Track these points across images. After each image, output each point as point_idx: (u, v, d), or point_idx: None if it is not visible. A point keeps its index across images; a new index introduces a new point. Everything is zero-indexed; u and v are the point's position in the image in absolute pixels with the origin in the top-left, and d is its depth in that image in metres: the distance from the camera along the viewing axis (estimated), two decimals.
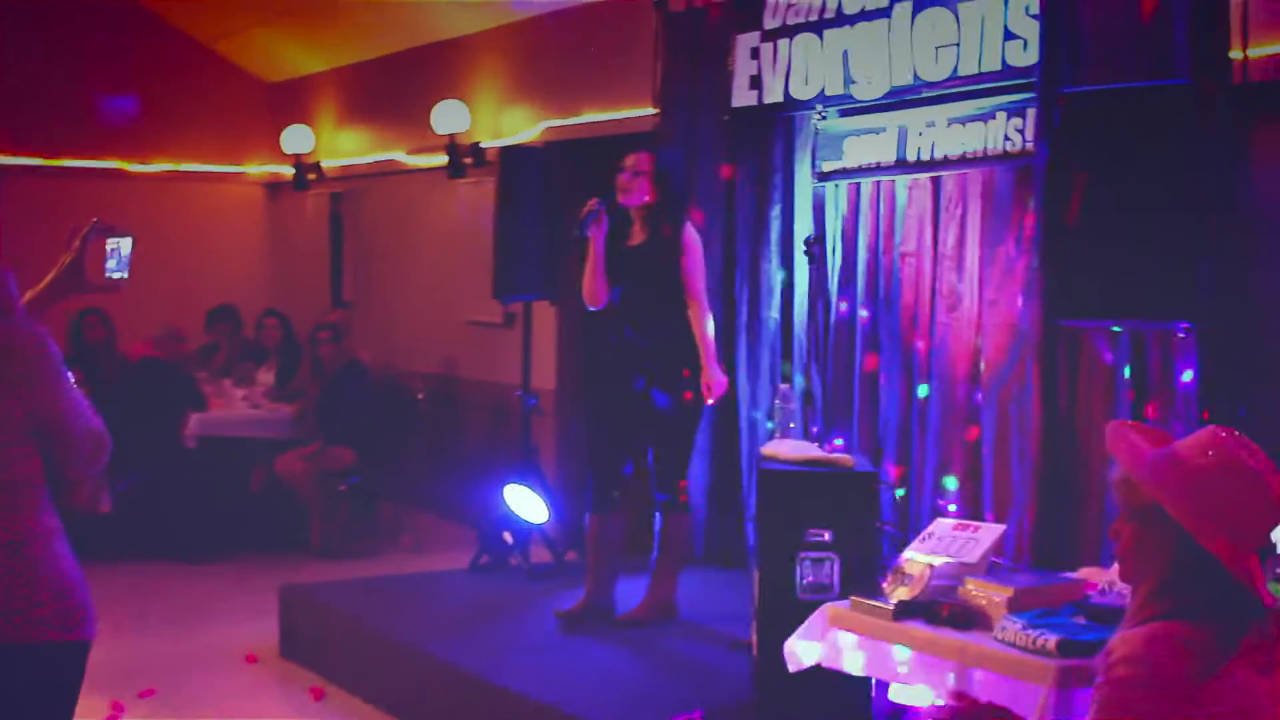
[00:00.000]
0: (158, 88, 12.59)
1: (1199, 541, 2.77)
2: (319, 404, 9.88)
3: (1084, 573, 4.77)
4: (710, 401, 6.57)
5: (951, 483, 6.58)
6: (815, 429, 6.05)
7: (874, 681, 4.99)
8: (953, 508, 6.48)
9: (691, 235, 6.57)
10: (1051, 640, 3.97)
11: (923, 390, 6.78)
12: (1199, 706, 2.72)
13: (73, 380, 3.29)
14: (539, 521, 8.01)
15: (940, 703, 4.46)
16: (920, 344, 6.79)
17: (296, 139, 12.22)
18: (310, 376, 10.21)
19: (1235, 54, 5.45)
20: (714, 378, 6.48)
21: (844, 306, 7.18)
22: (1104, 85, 5.45)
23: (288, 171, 12.51)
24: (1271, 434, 2.97)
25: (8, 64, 11.66)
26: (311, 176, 12.31)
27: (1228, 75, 5.44)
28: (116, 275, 3.59)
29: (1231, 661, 2.74)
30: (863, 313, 7.10)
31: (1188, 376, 5.51)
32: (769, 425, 7.56)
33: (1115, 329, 5.65)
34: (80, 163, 12.44)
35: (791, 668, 4.77)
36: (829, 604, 4.70)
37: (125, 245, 3.63)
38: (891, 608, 4.43)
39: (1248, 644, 2.77)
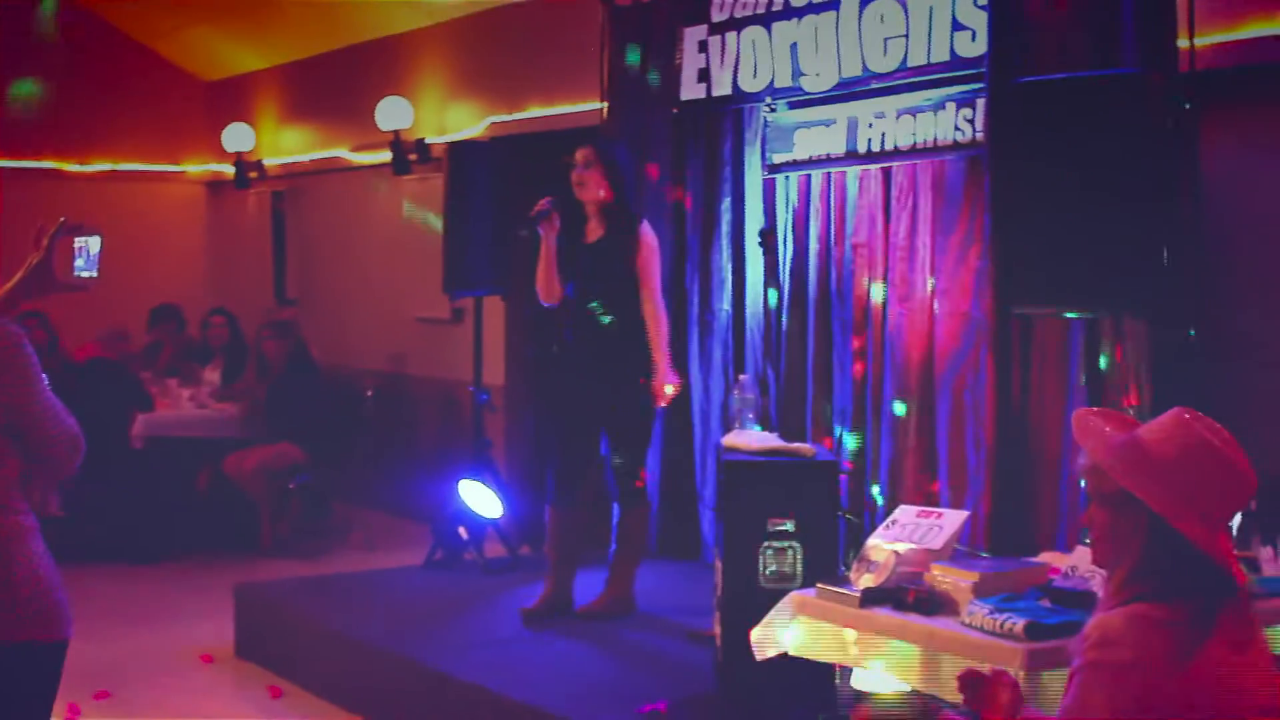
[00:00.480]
0: (96, 86, 12.49)
1: (1171, 524, 2.82)
2: (267, 402, 9.82)
3: (1045, 558, 4.81)
4: (661, 404, 6.58)
5: (907, 471, 6.63)
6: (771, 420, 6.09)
7: (838, 668, 5.03)
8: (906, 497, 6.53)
9: (648, 233, 6.57)
10: (1019, 624, 4.00)
11: (877, 379, 6.82)
12: (1178, 686, 2.76)
13: (46, 382, 3.24)
14: (493, 516, 8.00)
15: (905, 689, 4.50)
16: (873, 334, 6.83)
17: (237, 137, 12.15)
18: (256, 375, 10.15)
19: (1183, 43, 5.51)
20: (666, 380, 6.49)
21: (796, 297, 7.21)
22: (1053, 75, 5.49)
23: (229, 170, 12.45)
24: (1225, 419, 3.01)
25: None
26: (253, 175, 12.26)
27: (1175, 64, 5.51)
28: (85, 274, 3.56)
29: (1209, 640, 2.79)
30: (815, 303, 7.13)
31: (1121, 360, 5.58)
32: (721, 416, 7.60)
33: (1067, 316, 5.70)
34: (16, 163, 12.32)
35: (758, 656, 4.78)
36: (795, 592, 4.71)
37: (94, 244, 3.60)
38: (858, 595, 4.45)
39: (1224, 622, 2.82)
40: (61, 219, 3.49)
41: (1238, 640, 2.82)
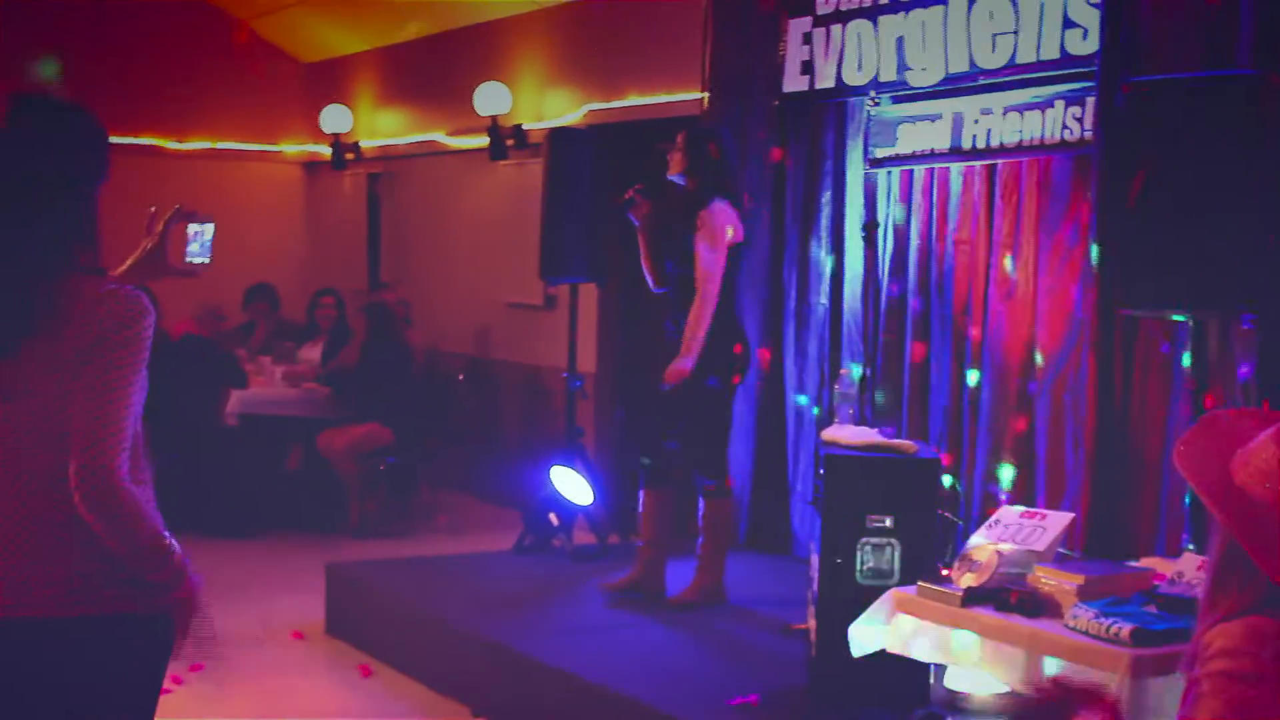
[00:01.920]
0: (197, 65, 12.61)
1: (1264, 573, 2.75)
2: (351, 380, 9.88)
3: (1148, 563, 4.76)
4: (670, 380, 6.48)
5: (1006, 471, 6.58)
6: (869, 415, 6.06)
7: (932, 668, 5.01)
8: (1004, 496, 6.48)
9: (711, 213, 6.45)
10: (1125, 629, 3.97)
11: (974, 377, 6.77)
12: None
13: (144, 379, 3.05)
14: (584, 504, 8.02)
15: (1005, 689, 4.47)
16: (973, 331, 6.78)
17: (335, 118, 12.24)
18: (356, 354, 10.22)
19: None
20: (679, 364, 6.41)
21: (895, 292, 7.17)
22: (1165, 75, 5.43)
23: (325, 151, 12.54)
24: None
25: (47, 41, 11.67)
26: (349, 156, 12.34)
27: None
28: (198, 260, 3.59)
29: None
30: (915, 299, 7.09)
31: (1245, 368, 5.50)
32: (815, 411, 7.58)
33: (1175, 318, 5.63)
34: (118, 139, 12.38)
35: (855, 652, 4.78)
36: (895, 589, 4.70)
37: (207, 231, 3.63)
38: (960, 594, 4.42)
39: None
40: (177, 205, 3.52)
41: None
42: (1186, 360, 5.73)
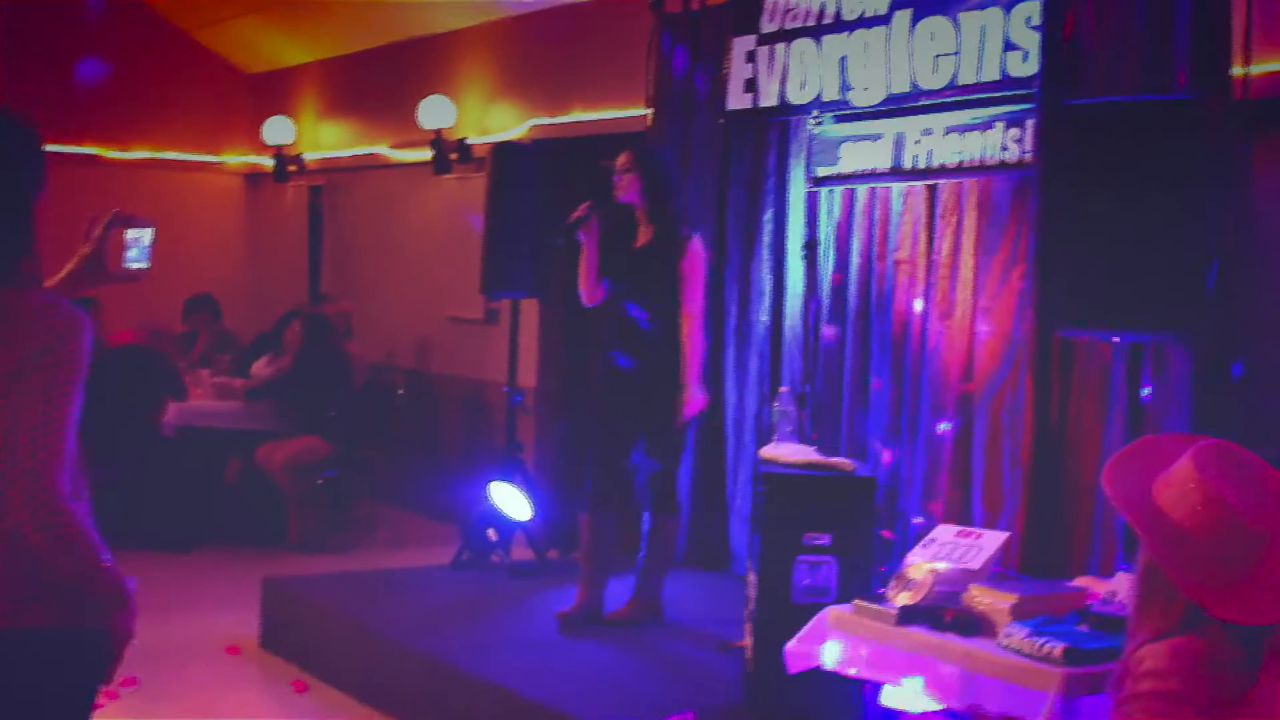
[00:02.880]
0: (139, 74, 12.53)
1: (1183, 594, 2.78)
2: (285, 393, 9.82)
3: (1082, 582, 4.80)
4: (684, 417, 6.56)
5: (943, 489, 6.62)
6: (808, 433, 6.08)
7: (867, 685, 5.02)
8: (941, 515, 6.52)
9: (697, 243, 6.56)
10: (1058, 647, 3.99)
11: (914, 396, 6.81)
12: (1233, 716, 2.74)
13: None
14: (522, 519, 8.01)
15: (938, 707, 4.49)
16: (912, 350, 6.82)
17: (277, 130, 12.18)
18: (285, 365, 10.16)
19: (1237, 70, 5.49)
20: (693, 396, 6.48)
21: (836, 311, 7.20)
22: (1104, 98, 5.48)
23: (268, 163, 12.48)
24: (1260, 446, 2.99)
25: None
26: (292, 168, 12.28)
27: (1229, 91, 5.48)
28: (137, 266, 3.56)
29: (1258, 674, 2.76)
30: (854, 318, 7.12)
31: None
32: (756, 428, 7.59)
33: (1112, 340, 5.68)
34: (57, 148, 12.34)
35: (791, 670, 4.79)
36: (831, 607, 4.71)
37: (146, 236, 3.60)
38: (895, 612, 4.44)
39: (1271, 655, 2.79)
40: (115, 210, 3.49)
41: None
42: (1122, 381, 5.81)
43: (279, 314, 10.86)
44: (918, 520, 6.69)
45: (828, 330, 7.23)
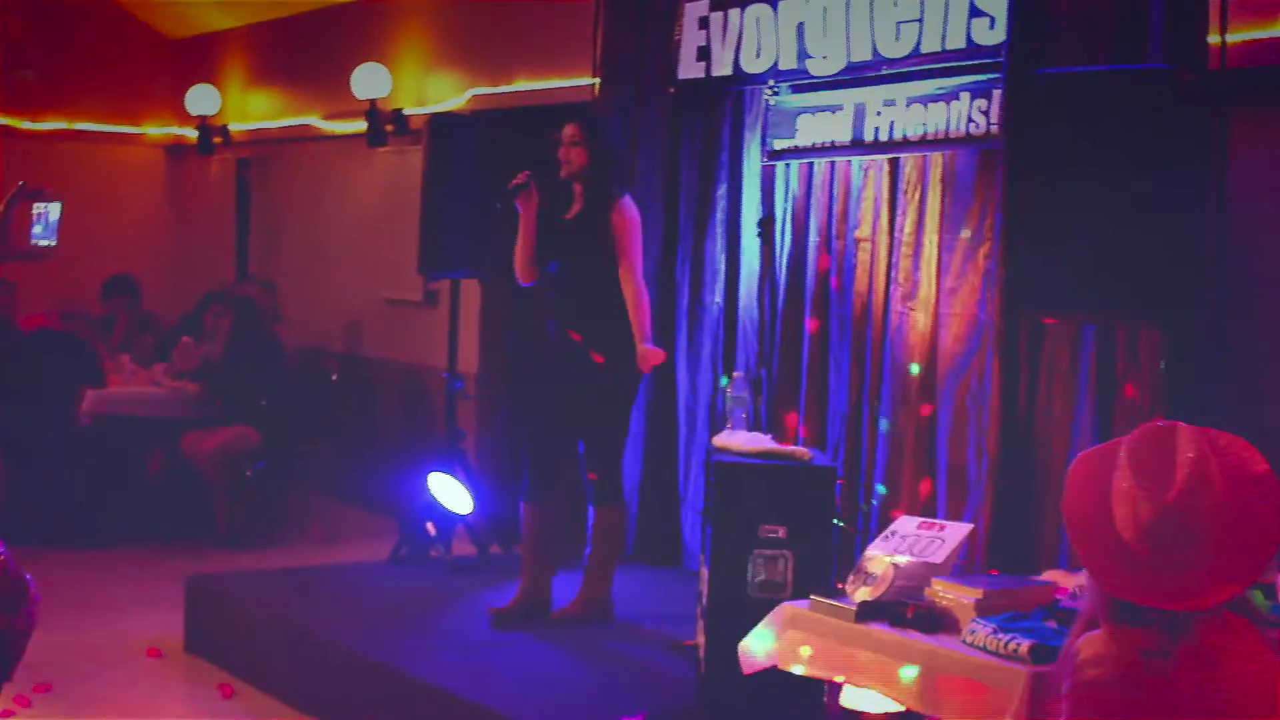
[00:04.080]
0: (51, 39, 12.42)
1: (1103, 588, 2.99)
2: (214, 380, 9.78)
3: (1050, 576, 4.83)
4: (645, 370, 6.53)
5: (906, 479, 6.66)
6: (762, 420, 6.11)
7: (826, 684, 5.05)
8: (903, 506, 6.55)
9: (628, 206, 6.54)
10: (1024, 645, 4.02)
11: (875, 381, 6.84)
12: (1157, 702, 2.90)
13: None
14: (463, 512, 8.00)
15: (899, 708, 4.52)
16: (873, 333, 6.85)
17: (201, 99, 12.09)
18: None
19: (1213, 38, 5.53)
20: (647, 351, 6.45)
21: (793, 292, 7.22)
22: (1074, 68, 5.51)
23: (191, 134, 12.39)
24: (1239, 430, 3.08)
25: None
26: (217, 140, 12.19)
27: (1205, 61, 5.53)
28: (44, 243, 3.55)
29: (1181, 657, 2.91)
30: (813, 299, 7.14)
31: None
32: (709, 415, 7.61)
33: (1080, 322, 5.72)
34: None
35: (746, 669, 4.80)
36: (787, 603, 4.73)
37: (54, 211, 3.59)
38: (854, 608, 4.47)
39: (1191, 639, 2.93)
40: (20, 183, 3.47)
41: (1208, 656, 2.90)
42: (1093, 365, 5.85)
43: (203, 295, 10.81)
44: (875, 507, 6.74)
45: (784, 312, 7.24)
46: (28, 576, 3.18)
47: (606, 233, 6.49)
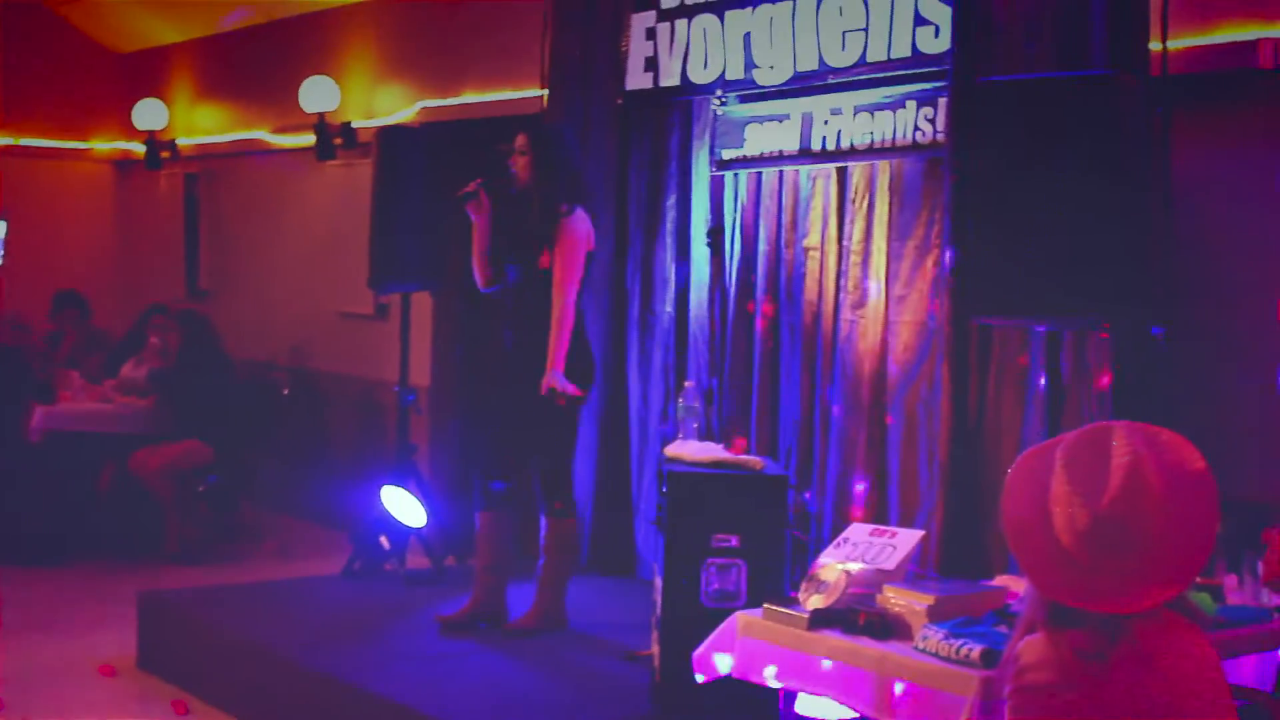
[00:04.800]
0: None
1: (1040, 592, 3.03)
2: (163, 396, 9.73)
3: (1002, 580, 4.86)
4: (542, 392, 6.46)
5: (858, 487, 6.67)
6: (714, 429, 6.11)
7: (782, 693, 5.06)
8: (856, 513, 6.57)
9: (576, 220, 6.51)
10: (976, 650, 4.04)
11: (825, 390, 6.86)
12: (1096, 703, 2.92)
13: None
14: (416, 525, 7.98)
15: (853, 715, 4.53)
16: (824, 341, 6.87)
17: (149, 114, 12.04)
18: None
19: (1155, 45, 5.58)
20: (553, 379, 6.38)
21: (743, 301, 7.24)
22: (1019, 75, 5.54)
23: (139, 149, 12.34)
24: (1190, 432, 3.10)
25: None
26: (165, 155, 12.15)
27: (1147, 67, 5.57)
28: None
29: (1118, 658, 2.93)
30: (763, 308, 7.16)
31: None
32: (661, 424, 7.62)
33: (1031, 327, 5.75)
34: None
35: (700, 678, 4.81)
36: (740, 612, 4.74)
37: None
38: (806, 616, 4.48)
39: (1128, 640, 2.95)
40: None
41: (1146, 656, 2.93)
42: (1042, 370, 5.89)
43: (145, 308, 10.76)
44: (828, 515, 6.75)
45: (735, 321, 7.26)
46: None
47: (548, 243, 6.48)
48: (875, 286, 6.62)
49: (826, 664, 4.40)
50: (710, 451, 5.72)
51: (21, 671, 7.11)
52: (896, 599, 4.45)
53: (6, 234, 3.71)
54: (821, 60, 6.73)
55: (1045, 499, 2.97)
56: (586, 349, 6.65)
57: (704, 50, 7.25)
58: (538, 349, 6.47)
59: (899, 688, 4.19)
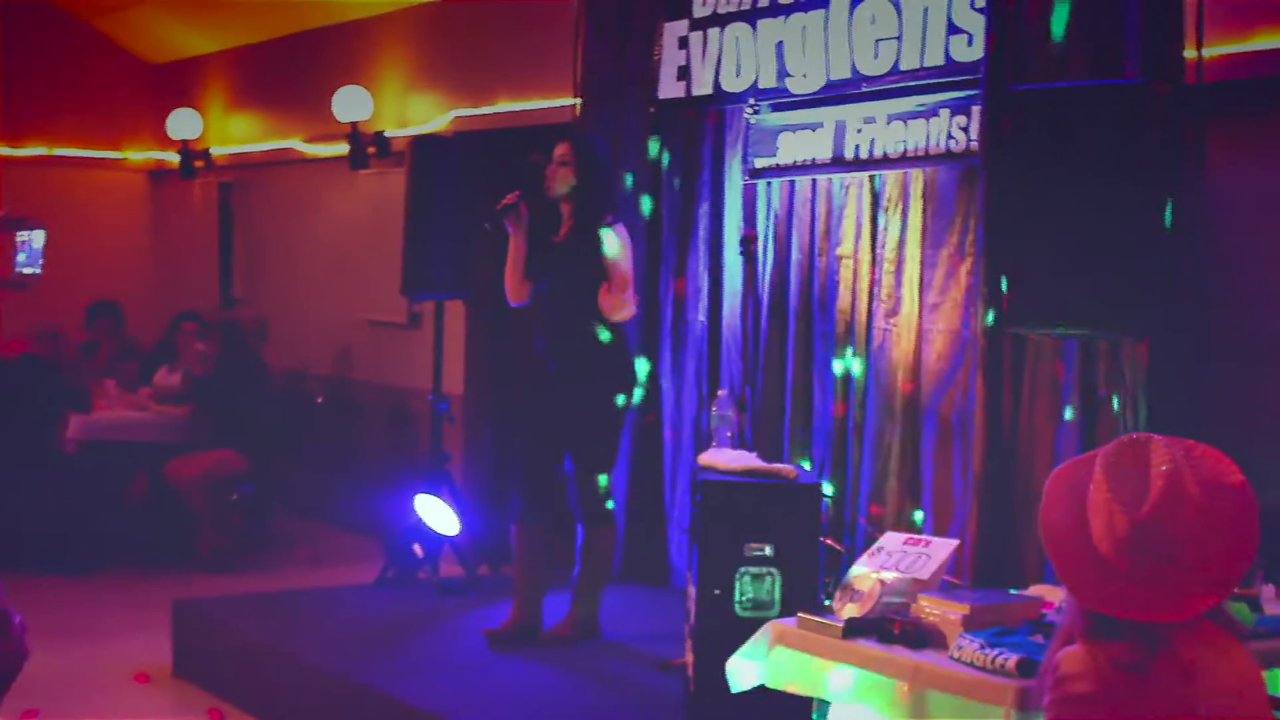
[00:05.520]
0: (32, 65, 12.41)
1: (1080, 602, 3.01)
2: (199, 405, 9.78)
3: (1037, 590, 4.84)
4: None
5: (891, 496, 6.67)
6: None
7: (815, 703, 5.05)
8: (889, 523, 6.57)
9: (620, 232, 6.55)
10: (1011, 660, 4.03)
11: (857, 399, 6.86)
12: (1143, 713, 2.91)
13: None
14: (450, 534, 8.00)
15: None
16: (856, 350, 6.86)
17: (183, 123, 12.11)
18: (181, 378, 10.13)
19: (1190, 54, 5.57)
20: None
21: (776, 310, 7.24)
22: (1053, 83, 5.54)
23: (173, 158, 12.41)
24: (1221, 442, 3.10)
25: None
26: (199, 164, 12.22)
27: (1181, 75, 5.56)
28: (28, 270, 3.55)
29: (1157, 670, 2.92)
30: (795, 317, 7.16)
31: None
32: (694, 433, 7.62)
33: (1062, 335, 5.74)
34: None
35: (733, 688, 4.80)
36: (774, 621, 4.73)
37: (37, 238, 3.59)
38: (841, 625, 4.47)
39: (1166, 652, 2.94)
40: (3, 212, 3.48)
41: (1186, 667, 2.92)
42: (1076, 379, 5.88)
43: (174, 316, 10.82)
44: (861, 524, 6.75)
45: (767, 330, 7.26)
46: (8, 609, 3.18)
47: (596, 256, 6.49)
48: (908, 295, 6.62)
49: (860, 673, 4.39)
50: (744, 460, 5.72)
51: (57, 679, 7.13)
52: (931, 608, 4.44)
53: (45, 242, 3.75)
54: (854, 68, 6.73)
55: (1084, 508, 2.98)
56: (629, 358, 6.67)
57: (736, 59, 7.25)
58: (576, 371, 6.49)
59: (934, 697, 4.18)
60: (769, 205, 7.31)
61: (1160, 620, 2.92)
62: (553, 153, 6.60)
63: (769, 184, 7.28)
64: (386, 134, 10.13)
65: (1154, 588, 2.89)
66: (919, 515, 6.63)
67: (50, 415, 9.63)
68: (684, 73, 7.54)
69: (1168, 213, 5.14)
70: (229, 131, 12.20)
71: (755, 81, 7.19)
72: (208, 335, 10.01)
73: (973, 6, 6.21)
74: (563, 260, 6.58)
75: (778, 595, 5.38)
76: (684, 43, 7.53)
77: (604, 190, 6.64)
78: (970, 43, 6.25)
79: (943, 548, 4.73)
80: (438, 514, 7.99)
